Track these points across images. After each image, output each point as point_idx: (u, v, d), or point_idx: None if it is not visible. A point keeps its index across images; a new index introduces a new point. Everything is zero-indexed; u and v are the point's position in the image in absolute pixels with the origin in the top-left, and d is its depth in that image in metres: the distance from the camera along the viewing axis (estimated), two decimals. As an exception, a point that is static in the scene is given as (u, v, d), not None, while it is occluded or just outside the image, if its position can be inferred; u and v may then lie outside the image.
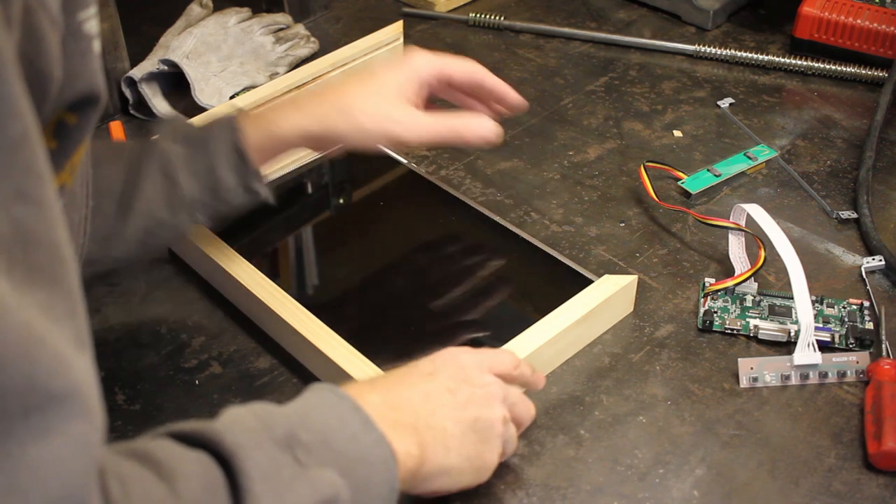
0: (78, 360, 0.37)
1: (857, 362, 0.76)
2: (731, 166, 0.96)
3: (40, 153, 0.37)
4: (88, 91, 0.43)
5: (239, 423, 0.50)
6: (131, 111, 1.05)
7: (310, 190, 0.97)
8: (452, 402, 0.61)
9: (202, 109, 1.02)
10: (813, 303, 0.80)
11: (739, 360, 0.76)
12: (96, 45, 0.44)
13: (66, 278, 0.39)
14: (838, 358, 0.76)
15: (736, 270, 0.83)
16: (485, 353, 0.66)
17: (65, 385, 0.36)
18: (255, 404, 0.53)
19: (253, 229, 0.91)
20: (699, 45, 1.14)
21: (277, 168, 0.94)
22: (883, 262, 0.85)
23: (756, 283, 0.83)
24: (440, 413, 0.60)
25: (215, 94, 1.04)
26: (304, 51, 1.14)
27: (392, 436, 0.54)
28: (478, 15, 1.21)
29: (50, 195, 0.38)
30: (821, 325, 0.79)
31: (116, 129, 1.03)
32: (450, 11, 1.24)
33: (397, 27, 1.14)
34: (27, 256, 0.36)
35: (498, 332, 0.77)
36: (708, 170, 0.96)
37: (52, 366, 0.36)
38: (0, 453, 0.34)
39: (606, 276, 0.80)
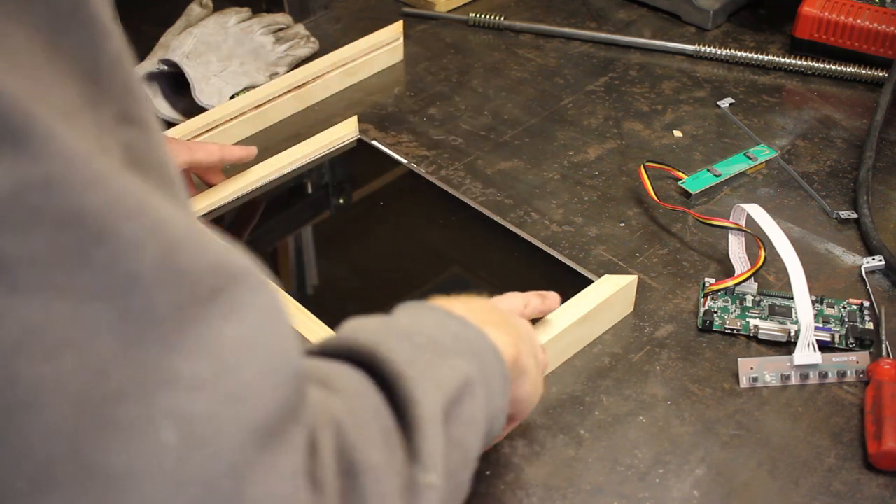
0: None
1: (857, 362, 0.76)
2: (731, 166, 0.96)
3: (134, 74, 0.36)
4: None
5: (364, 326, 0.50)
6: (131, 111, 1.05)
7: (310, 190, 0.97)
8: (516, 322, 0.62)
9: (202, 109, 1.02)
10: (813, 303, 0.80)
11: (739, 360, 0.76)
12: None
13: (179, 199, 0.37)
14: (838, 358, 0.76)
15: (736, 270, 0.83)
16: (499, 300, 0.68)
17: (238, 263, 0.35)
18: (365, 316, 0.53)
19: (253, 229, 0.91)
20: (699, 45, 1.14)
21: (278, 168, 0.94)
22: (883, 262, 0.85)
23: (756, 283, 0.83)
24: (513, 320, 0.61)
25: (215, 94, 1.04)
26: (304, 51, 1.14)
27: (488, 331, 0.55)
28: (478, 15, 1.21)
29: (150, 115, 0.36)
30: (821, 325, 0.79)
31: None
32: (450, 11, 1.24)
33: (397, 27, 1.14)
34: (141, 177, 0.35)
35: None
36: (708, 170, 0.96)
37: (221, 248, 0.35)
38: (200, 339, 0.33)
39: (606, 276, 0.80)
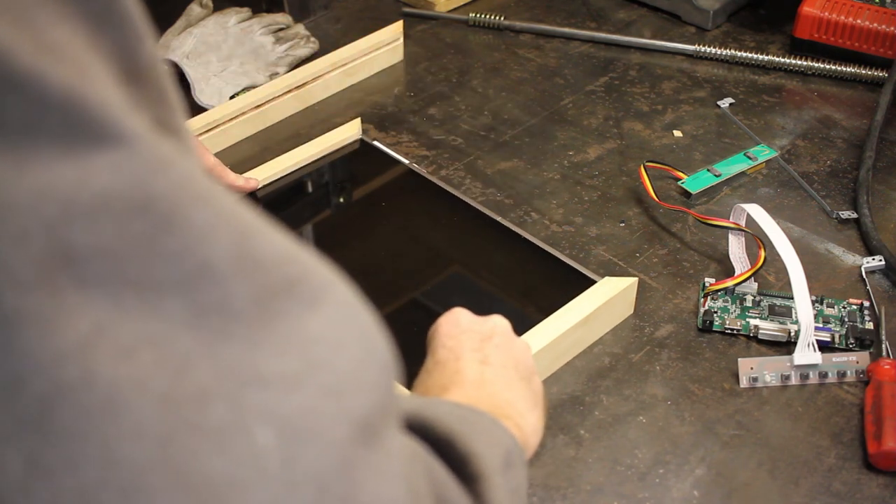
0: None
1: (857, 362, 0.76)
2: (731, 166, 0.96)
3: (170, 81, 0.34)
4: None
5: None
6: (131, 111, 1.05)
7: (310, 189, 0.97)
8: (493, 372, 0.59)
9: (202, 109, 1.02)
10: (813, 303, 0.80)
11: (739, 360, 0.76)
12: None
13: None
14: (838, 358, 0.76)
15: (736, 270, 0.83)
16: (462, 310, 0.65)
17: (308, 254, 0.33)
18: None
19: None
20: (699, 45, 1.14)
21: (281, 170, 0.94)
22: (883, 262, 0.85)
23: (756, 283, 0.83)
24: (496, 389, 0.58)
25: (215, 94, 1.04)
26: (304, 51, 1.14)
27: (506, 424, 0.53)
28: (478, 15, 1.21)
29: (185, 125, 0.34)
30: (821, 325, 0.79)
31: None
32: (450, 11, 1.24)
33: (397, 27, 1.14)
34: None
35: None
36: (708, 170, 0.96)
37: (288, 240, 0.33)
38: (284, 333, 0.30)
39: (607, 279, 0.80)
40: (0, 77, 0.27)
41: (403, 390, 0.50)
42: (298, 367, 0.31)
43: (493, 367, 0.59)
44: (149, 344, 0.28)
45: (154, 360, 0.28)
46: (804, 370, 0.75)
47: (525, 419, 0.57)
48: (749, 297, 0.82)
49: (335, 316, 0.32)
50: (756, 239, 0.82)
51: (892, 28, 1.09)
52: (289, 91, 1.05)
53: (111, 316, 0.28)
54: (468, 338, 0.61)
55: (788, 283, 0.76)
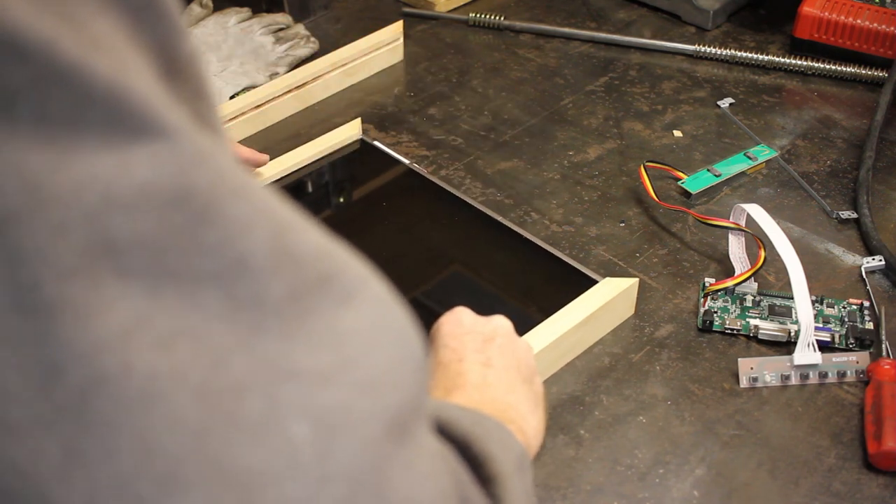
0: None
1: (857, 362, 0.76)
2: (731, 166, 0.96)
3: (208, 79, 0.34)
4: None
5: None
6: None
7: (310, 189, 0.97)
8: (496, 374, 0.59)
9: (202, 109, 1.02)
10: (813, 303, 0.80)
11: (739, 360, 0.76)
12: None
13: None
14: (838, 358, 0.76)
15: (736, 270, 0.83)
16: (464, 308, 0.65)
17: (343, 250, 0.33)
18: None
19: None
20: (699, 45, 1.14)
21: (282, 170, 0.94)
22: (883, 262, 0.85)
23: (756, 283, 0.83)
24: (499, 392, 0.58)
25: (215, 94, 1.04)
26: (304, 51, 1.14)
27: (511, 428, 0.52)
28: (478, 15, 1.21)
29: (221, 124, 0.34)
30: (821, 325, 0.79)
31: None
32: (450, 11, 1.24)
33: (397, 27, 1.14)
34: None
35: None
36: (708, 170, 0.96)
37: (323, 236, 0.33)
38: (319, 328, 0.31)
39: (608, 279, 0.80)
40: (45, 69, 0.27)
41: None
42: (332, 362, 0.31)
43: (495, 370, 0.59)
44: (186, 336, 0.28)
45: (191, 353, 0.28)
46: (804, 370, 0.75)
47: (527, 422, 0.57)
48: (749, 297, 0.82)
49: (370, 312, 0.33)
50: (756, 239, 0.82)
51: (892, 28, 1.09)
52: (289, 91, 1.05)
53: (150, 307, 0.28)
54: (471, 339, 0.61)
55: (788, 283, 0.76)
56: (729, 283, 0.82)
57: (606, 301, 0.77)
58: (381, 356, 0.32)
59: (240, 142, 1.02)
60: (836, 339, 0.78)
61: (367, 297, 0.33)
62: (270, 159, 0.95)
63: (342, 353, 0.31)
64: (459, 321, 0.62)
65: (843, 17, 1.11)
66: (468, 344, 0.60)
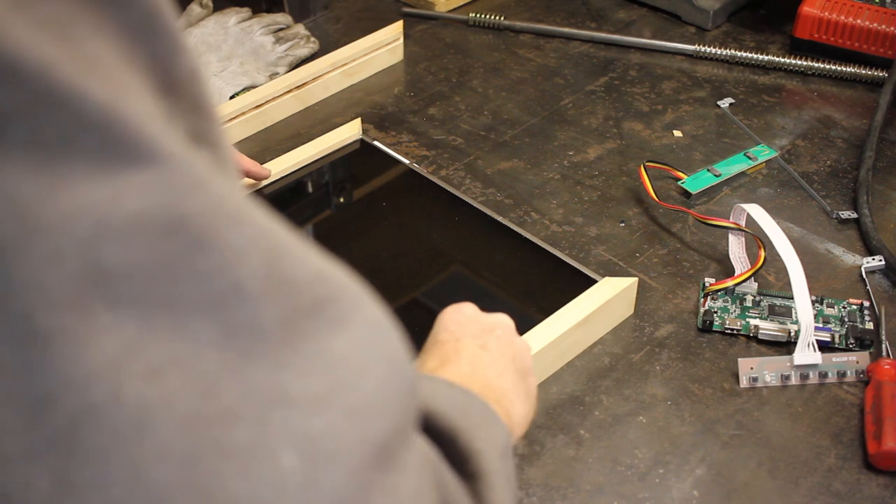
0: None
1: (857, 362, 0.76)
2: (731, 166, 0.96)
3: (208, 94, 0.34)
4: None
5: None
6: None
7: (310, 189, 0.97)
8: (491, 357, 0.60)
9: (202, 109, 1.02)
10: (813, 303, 0.80)
11: (739, 360, 0.76)
12: None
13: None
14: (838, 358, 0.76)
15: (736, 270, 0.83)
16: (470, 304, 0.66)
17: (339, 273, 0.33)
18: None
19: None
20: (699, 45, 1.14)
21: (282, 170, 0.94)
22: (883, 262, 0.85)
23: (756, 283, 0.83)
24: (491, 373, 0.59)
25: (215, 94, 1.04)
26: (304, 51, 1.14)
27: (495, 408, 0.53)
28: (478, 15, 1.21)
29: (223, 138, 0.34)
30: (821, 325, 0.79)
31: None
32: (450, 11, 1.24)
33: (397, 27, 1.14)
34: None
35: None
36: (708, 170, 0.96)
37: (320, 257, 0.33)
38: (311, 353, 0.31)
39: (607, 279, 0.80)
40: (40, 93, 0.27)
41: None
42: (324, 387, 0.31)
43: (490, 354, 0.60)
44: (177, 364, 0.28)
45: (181, 381, 0.28)
46: (804, 370, 0.75)
47: (515, 407, 0.58)
48: (749, 297, 0.82)
49: (362, 336, 0.33)
50: (756, 239, 0.82)
51: (892, 28, 1.09)
52: (289, 91, 1.05)
53: (141, 336, 0.28)
54: (471, 326, 0.62)
55: (788, 283, 0.76)
56: (729, 283, 0.82)
57: (606, 300, 0.77)
58: (372, 381, 0.32)
59: (240, 142, 1.02)
60: (836, 339, 0.78)
61: (361, 321, 0.33)
62: (270, 159, 0.95)
63: (333, 377, 0.31)
64: (462, 311, 0.63)
65: (843, 17, 1.11)
66: (468, 329, 0.62)
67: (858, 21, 1.10)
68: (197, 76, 0.33)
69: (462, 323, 0.63)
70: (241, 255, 0.30)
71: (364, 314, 0.33)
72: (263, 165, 0.93)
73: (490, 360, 0.60)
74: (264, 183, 0.93)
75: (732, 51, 1.13)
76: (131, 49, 0.30)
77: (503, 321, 0.64)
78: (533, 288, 0.84)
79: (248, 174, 0.91)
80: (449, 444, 0.42)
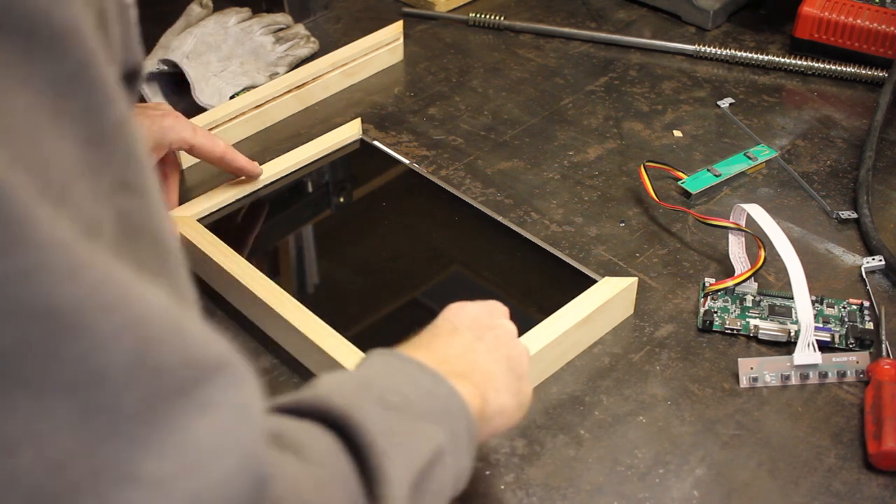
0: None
1: (857, 362, 0.76)
2: (731, 166, 0.96)
3: (138, 138, 0.35)
4: (135, 63, 0.41)
5: (338, 385, 0.49)
6: (131, 111, 1.05)
7: (310, 189, 0.97)
8: (485, 347, 0.61)
9: (202, 109, 1.02)
10: (813, 303, 0.80)
11: (739, 360, 0.76)
12: (134, 14, 0.42)
13: (172, 270, 0.36)
14: (838, 358, 0.76)
15: (736, 270, 0.83)
16: (482, 302, 0.67)
17: (216, 356, 0.34)
18: (340, 372, 0.52)
19: (253, 229, 0.91)
20: (699, 45, 1.14)
21: (282, 170, 0.94)
22: (883, 262, 0.85)
23: (756, 283, 0.83)
24: (481, 360, 0.60)
25: (215, 94, 1.04)
26: (304, 51, 1.14)
27: (457, 386, 0.54)
28: (478, 15, 1.21)
29: (151, 183, 0.35)
30: (821, 325, 0.79)
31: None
32: (450, 11, 1.24)
33: (397, 27, 1.14)
34: (133, 249, 0.34)
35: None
36: (708, 170, 0.96)
37: (200, 339, 0.34)
38: (165, 436, 0.32)
39: (607, 279, 0.80)
40: None
41: (353, 371, 0.53)
42: (172, 470, 0.32)
43: (485, 344, 0.61)
44: (31, 443, 0.30)
45: (32, 458, 0.30)
46: (804, 370, 0.75)
47: (497, 394, 0.58)
48: (749, 297, 0.82)
49: (222, 424, 0.34)
50: (756, 239, 0.82)
51: (892, 28, 1.09)
52: (289, 91, 1.05)
53: (1, 415, 0.29)
54: (472, 321, 0.63)
55: (788, 283, 0.76)
56: (729, 283, 0.82)
57: (606, 300, 0.77)
58: (220, 470, 0.33)
59: (240, 142, 1.02)
60: (836, 339, 0.78)
61: (225, 407, 0.34)
62: (270, 159, 0.95)
63: (183, 462, 0.32)
64: (465, 308, 0.65)
65: (843, 17, 1.11)
66: (467, 322, 0.63)
67: (858, 21, 1.10)
68: (127, 125, 0.34)
69: (463, 316, 0.64)
70: (109, 343, 0.31)
71: (231, 400, 0.34)
72: (260, 165, 0.93)
73: (483, 349, 0.61)
74: (265, 183, 0.93)
75: (732, 51, 1.13)
76: (62, 101, 0.31)
77: (505, 324, 0.65)
78: (533, 288, 0.84)
79: (240, 171, 0.91)
80: (364, 461, 0.44)
